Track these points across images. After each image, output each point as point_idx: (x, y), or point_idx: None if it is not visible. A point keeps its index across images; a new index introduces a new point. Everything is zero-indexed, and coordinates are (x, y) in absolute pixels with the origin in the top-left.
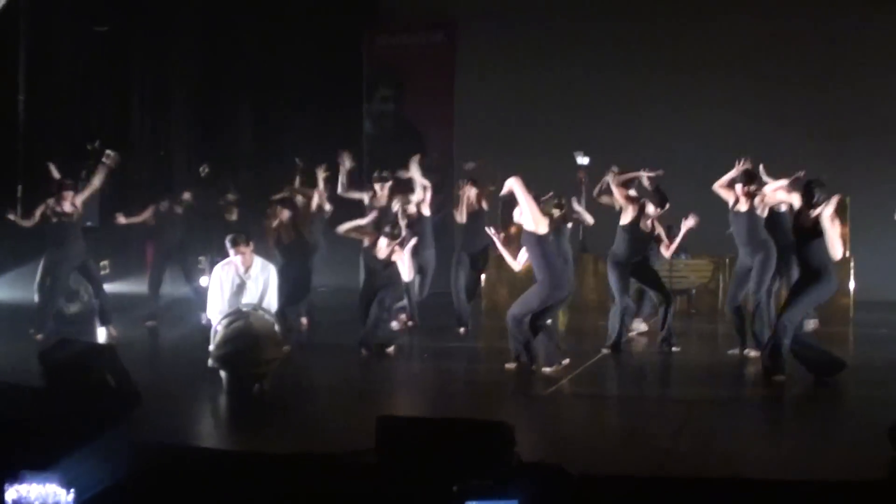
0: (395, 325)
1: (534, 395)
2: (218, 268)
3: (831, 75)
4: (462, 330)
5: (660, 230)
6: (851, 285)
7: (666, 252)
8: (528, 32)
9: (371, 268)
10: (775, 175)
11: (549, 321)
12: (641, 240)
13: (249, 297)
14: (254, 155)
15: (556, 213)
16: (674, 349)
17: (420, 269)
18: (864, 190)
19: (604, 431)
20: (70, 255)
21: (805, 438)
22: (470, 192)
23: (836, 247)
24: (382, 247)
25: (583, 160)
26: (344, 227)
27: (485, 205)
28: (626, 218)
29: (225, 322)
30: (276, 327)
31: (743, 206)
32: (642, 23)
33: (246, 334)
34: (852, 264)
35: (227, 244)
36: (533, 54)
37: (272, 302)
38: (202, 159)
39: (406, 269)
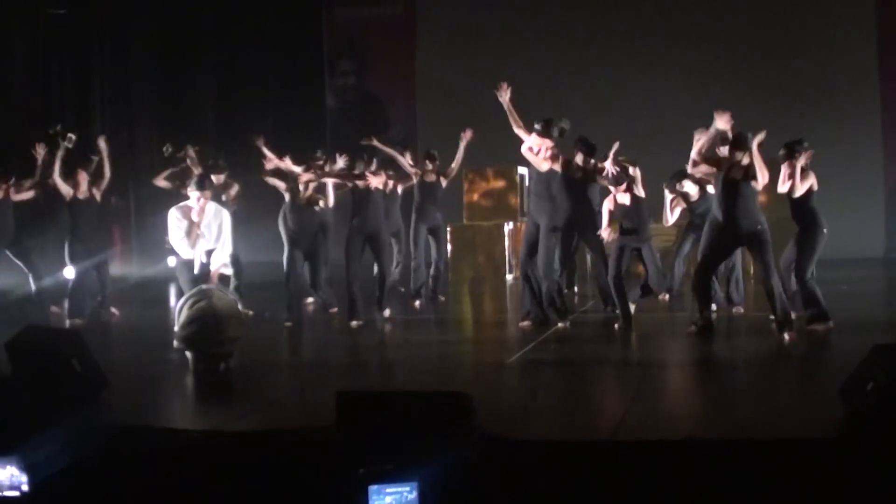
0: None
1: (496, 364)
2: (173, 210)
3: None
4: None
5: None
6: None
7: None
8: (489, 0)
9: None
10: None
11: None
12: None
13: (204, 243)
14: (216, 131)
15: None
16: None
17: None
18: (826, 149)
19: (565, 397)
20: None
21: (759, 398)
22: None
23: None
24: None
25: None
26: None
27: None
28: None
29: (189, 303)
30: (239, 305)
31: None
32: None
33: (209, 314)
34: None
35: (194, 185)
36: (494, 23)
37: (227, 245)
38: (165, 138)
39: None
